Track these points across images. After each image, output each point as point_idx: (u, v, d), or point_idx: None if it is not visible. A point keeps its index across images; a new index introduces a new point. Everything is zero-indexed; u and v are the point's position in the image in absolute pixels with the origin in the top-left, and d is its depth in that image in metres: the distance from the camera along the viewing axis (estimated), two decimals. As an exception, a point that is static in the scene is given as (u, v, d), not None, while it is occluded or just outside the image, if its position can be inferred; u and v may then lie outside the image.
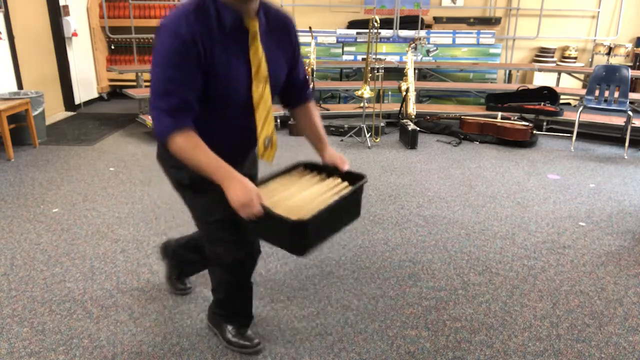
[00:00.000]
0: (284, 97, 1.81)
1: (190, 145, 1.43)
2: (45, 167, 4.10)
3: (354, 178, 1.61)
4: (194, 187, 1.66)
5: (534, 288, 2.45)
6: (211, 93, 1.48)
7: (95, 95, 6.82)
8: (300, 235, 1.35)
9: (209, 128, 1.55)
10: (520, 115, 5.51)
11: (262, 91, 1.58)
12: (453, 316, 2.22)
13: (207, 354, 1.95)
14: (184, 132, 1.43)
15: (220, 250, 1.76)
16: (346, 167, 1.61)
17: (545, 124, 5.49)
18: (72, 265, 2.58)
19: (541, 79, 6.78)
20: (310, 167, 1.78)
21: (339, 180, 1.67)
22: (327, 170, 1.72)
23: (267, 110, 1.61)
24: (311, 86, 5.39)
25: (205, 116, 1.53)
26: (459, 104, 6.51)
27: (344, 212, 1.52)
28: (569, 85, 6.94)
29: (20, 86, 5.11)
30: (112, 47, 7.04)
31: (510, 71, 7.09)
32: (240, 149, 1.70)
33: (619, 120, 5.15)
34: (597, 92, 4.90)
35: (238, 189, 1.41)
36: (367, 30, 6.21)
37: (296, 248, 1.40)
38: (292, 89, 1.78)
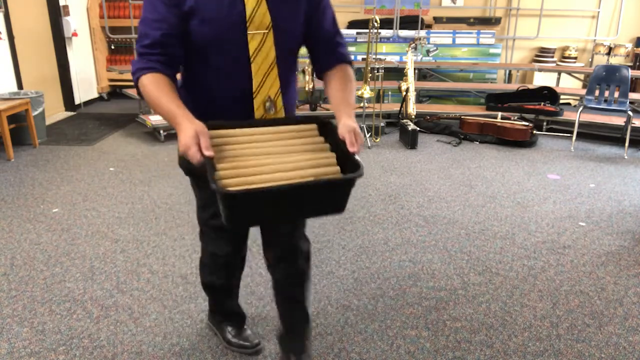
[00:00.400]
0: (314, 61, 1.55)
1: (153, 87, 1.29)
2: (45, 167, 4.10)
3: (351, 165, 1.29)
4: (194, 176, 1.61)
5: (534, 288, 2.45)
6: (199, 38, 1.35)
7: (95, 95, 6.82)
8: (228, 207, 1.15)
9: (209, 87, 1.43)
10: (520, 115, 5.51)
11: (260, 43, 1.37)
12: (453, 316, 2.22)
13: (207, 354, 1.95)
14: (152, 74, 1.30)
15: (204, 246, 1.78)
16: (354, 149, 1.27)
17: (545, 124, 5.49)
18: (72, 265, 2.58)
19: (541, 79, 6.78)
20: (321, 129, 1.46)
21: (332, 160, 1.35)
22: (332, 141, 1.38)
23: (268, 65, 1.40)
24: (310, 86, 5.39)
25: (203, 72, 1.42)
26: (459, 104, 6.51)
27: (311, 200, 1.23)
28: (569, 85, 6.94)
29: (20, 86, 5.11)
30: (112, 47, 7.04)
31: (510, 71, 7.09)
32: (248, 114, 1.47)
33: (619, 120, 5.15)
34: (597, 92, 4.90)
35: (182, 133, 1.20)
36: (367, 30, 6.21)
37: (224, 217, 1.19)
38: (318, 46, 1.51)
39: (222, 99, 1.44)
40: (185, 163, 1.48)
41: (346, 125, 1.31)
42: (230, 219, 1.16)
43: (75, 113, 6.15)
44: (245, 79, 1.41)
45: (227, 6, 1.33)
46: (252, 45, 1.37)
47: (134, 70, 1.33)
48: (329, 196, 1.24)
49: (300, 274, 1.70)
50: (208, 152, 1.18)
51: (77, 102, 6.30)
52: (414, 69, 5.47)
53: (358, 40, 6.67)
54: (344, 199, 1.27)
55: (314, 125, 1.45)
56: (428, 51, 6.70)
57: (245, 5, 1.34)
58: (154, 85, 1.29)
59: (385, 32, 6.65)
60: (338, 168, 1.32)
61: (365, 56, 4.98)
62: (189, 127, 1.19)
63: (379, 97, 5.40)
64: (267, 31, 1.37)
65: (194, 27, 1.33)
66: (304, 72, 5.37)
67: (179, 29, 1.32)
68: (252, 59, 1.38)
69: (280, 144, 1.36)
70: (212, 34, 1.34)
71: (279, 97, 1.46)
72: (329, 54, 1.51)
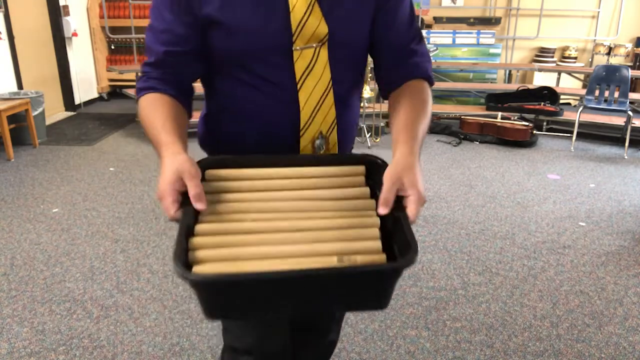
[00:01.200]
0: (378, 76, 1.11)
1: (147, 111, 0.96)
2: (45, 167, 4.10)
3: (399, 241, 0.83)
4: None
5: (534, 288, 2.45)
6: (223, 56, 1.01)
7: (95, 95, 6.82)
8: (202, 295, 0.78)
9: (238, 119, 1.07)
10: (520, 115, 5.51)
11: (311, 61, 0.99)
12: (453, 316, 2.22)
13: (207, 354, 1.95)
14: (151, 94, 0.99)
15: (228, 336, 1.25)
16: (383, 210, 0.82)
17: (545, 124, 5.49)
18: (72, 265, 2.58)
19: (541, 79, 6.79)
20: (371, 172, 0.97)
21: (374, 232, 0.86)
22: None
23: (321, 92, 1.02)
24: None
25: (229, 100, 1.06)
26: (459, 104, 6.51)
27: (330, 292, 0.80)
28: (569, 85, 6.94)
29: (20, 86, 5.11)
30: (112, 47, 7.04)
31: (510, 71, 7.09)
32: (291, 149, 1.08)
33: (619, 120, 5.15)
34: (597, 92, 4.90)
35: (161, 174, 0.84)
36: (367, 30, 6.20)
37: (202, 307, 0.80)
38: (384, 55, 1.08)
39: (256, 137, 1.07)
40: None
41: (400, 164, 0.86)
42: (205, 310, 0.80)
43: (75, 113, 6.15)
44: (289, 111, 1.03)
45: (264, 13, 0.96)
46: (300, 66, 0.99)
47: (136, 91, 1.05)
48: (358, 288, 0.81)
49: None
50: (198, 205, 0.80)
51: (77, 102, 6.30)
52: (414, 69, 5.46)
53: (358, 40, 6.67)
54: (384, 293, 0.83)
55: (361, 168, 0.98)
56: (428, 51, 6.70)
57: (291, 12, 0.96)
58: (149, 107, 0.97)
59: (385, 32, 6.64)
60: (379, 245, 0.84)
61: (365, 56, 4.99)
62: (169, 166, 0.83)
63: (379, 97, 5.40)
64: (320, 45, 0.99)
65: (216, 40, 0.99)
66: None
67: (191, 43, 0.99)
68: (299, 85, 1.00)
69: (304, 197, 0.92)
70: (240, 50, 0.98)
71: (333, 131, 1.07)
72: (399, 65, 1.07)
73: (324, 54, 1.00)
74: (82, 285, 2.40)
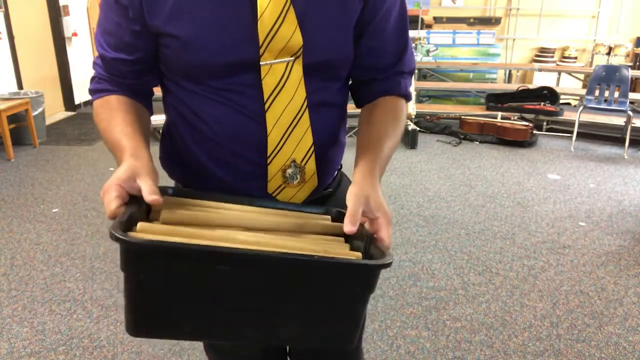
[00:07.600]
0: (353, 89, 1.02)
1: (104, 115, 0.89)
2: (45, 167, 4.10)
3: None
4: None
5: (534, 288, 2.45)
6: (180, 72, 0.89)
7: (95, 95, 6.82)
8: (132, 280, 0.64)
9: (198, 143, 0.93)
10: (520, 115, 5.51)
11: (282, 78, 0.86)
12: (453, 316, 2.22)
13: (207, 354, 1.95)
14: (107, 96, 0.92)
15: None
16: (350, 227, 0.74)
17: (545, 124, 5.49)
18: (72, 265, 2.58)
19: (541, 79, 6.79)
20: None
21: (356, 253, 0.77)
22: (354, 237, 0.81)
23: (294, 114, 0.89)
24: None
25: (187, 120, 0.93)
26: (459, 104, 6.51)
27: (295, 309, 0.69)
28: (569, 85, 6.94)
29: (20, 86, 5.11)
30: (112, 47, 7.04)
31: (510, 71, 7.10)
32: (257, 187, 0.94)
33: (619, 120, 5.15)
34: (597, 92, 4.90)
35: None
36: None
37: (126, 314, 0.66)
38: (366, 77, 0.98)
39: (216, 156, 0.94)
40: None
41: (363, 184, 0.80)
42: (130, 310, 0.65)
43: (75, 113, 6.15)
44: (255, 131, 0.90)
45: (225, 21, 0.82)
46: (269, 83, 0.86)
47: (90, 93, 0.96)
48: (328, 306, 0.69)
49: None
50: (151, 197, 0.71)
51: (77, 102, 6.30)
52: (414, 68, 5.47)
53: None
54: (353, 319, 0.71)
55: (331, 217, 0.88)
56: (428, 51, 6.70)
57: (259, 19, 0.81)
58: (106, 112, 0.89)
59: (385, 32, 6.65)
60: (359, 255, 0.76)
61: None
62: (125, 165, 0.76)
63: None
64: (293, 58, 0.85)
65: (167, 51, 0.87)
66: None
67: (141, 51, 0.89)
68: (267, 105, 0.87)
69: (270, 221, 0.84)
70: (196, 66, 0.86)
71: (310, 160, 0.93)
72: (379, 82, 0.98)
73: (297, 69, 0.86)
74: (82, 285, 2.40)
